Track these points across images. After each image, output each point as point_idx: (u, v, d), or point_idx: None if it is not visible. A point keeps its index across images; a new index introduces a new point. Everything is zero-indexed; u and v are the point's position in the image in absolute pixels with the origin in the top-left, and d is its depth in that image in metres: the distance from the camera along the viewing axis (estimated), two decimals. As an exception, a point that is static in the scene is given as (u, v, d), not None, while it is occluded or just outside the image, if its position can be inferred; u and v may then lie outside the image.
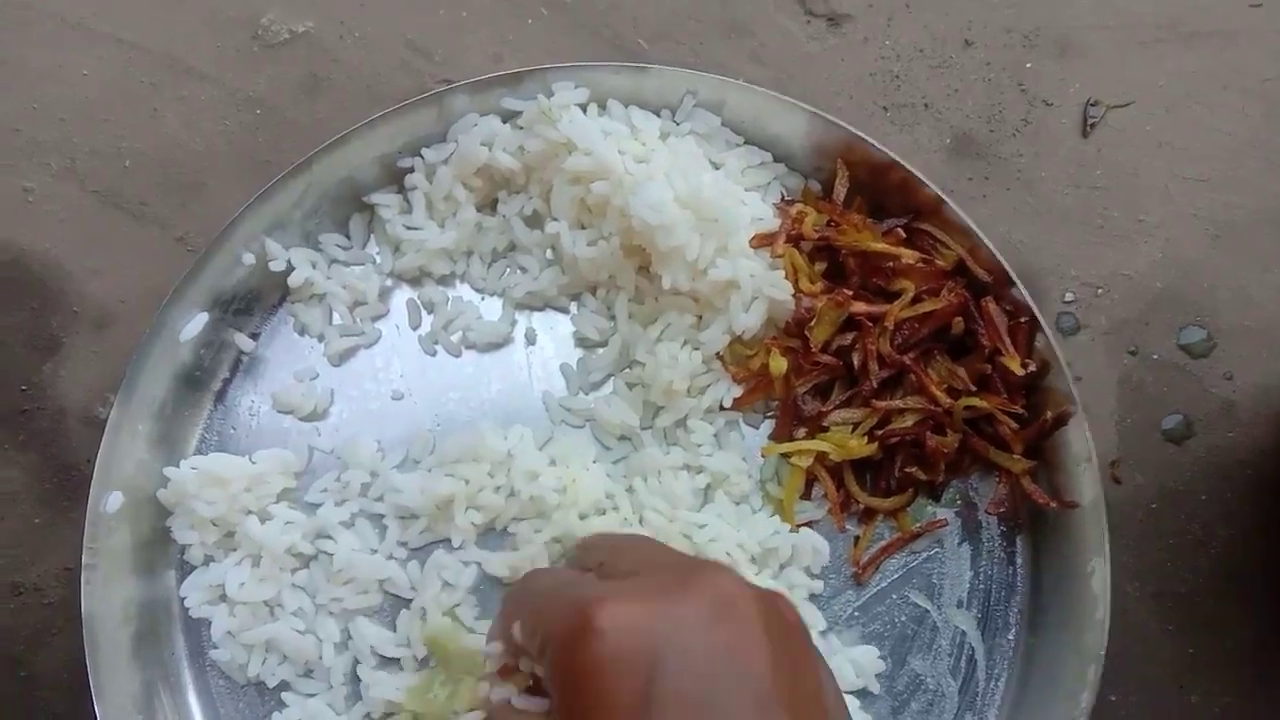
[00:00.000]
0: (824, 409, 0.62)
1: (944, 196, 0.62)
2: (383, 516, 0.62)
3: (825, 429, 0.62)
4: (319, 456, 0.63)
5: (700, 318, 0.63)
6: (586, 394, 0.64)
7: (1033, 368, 0.60)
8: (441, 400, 0.64)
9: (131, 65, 0.69)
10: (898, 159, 0.62)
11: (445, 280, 0.66)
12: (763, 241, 0.62)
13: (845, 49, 0.71)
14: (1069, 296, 0.68)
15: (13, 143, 0.68)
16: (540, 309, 0.65)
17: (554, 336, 0.65)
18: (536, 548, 0.60)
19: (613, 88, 0.64)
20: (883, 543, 0.63)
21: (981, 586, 0.62)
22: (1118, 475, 0.65)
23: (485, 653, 0.47)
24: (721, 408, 0.63)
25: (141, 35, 0.70)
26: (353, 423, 0.64)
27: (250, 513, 0.61)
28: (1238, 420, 0.66)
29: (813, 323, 0.61)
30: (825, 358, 0.62)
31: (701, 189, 0.60)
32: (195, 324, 0.62)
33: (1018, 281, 0.61)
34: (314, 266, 0.64)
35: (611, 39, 0.70)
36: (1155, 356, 0.67)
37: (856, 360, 0.62)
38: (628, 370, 0.64)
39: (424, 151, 0.64)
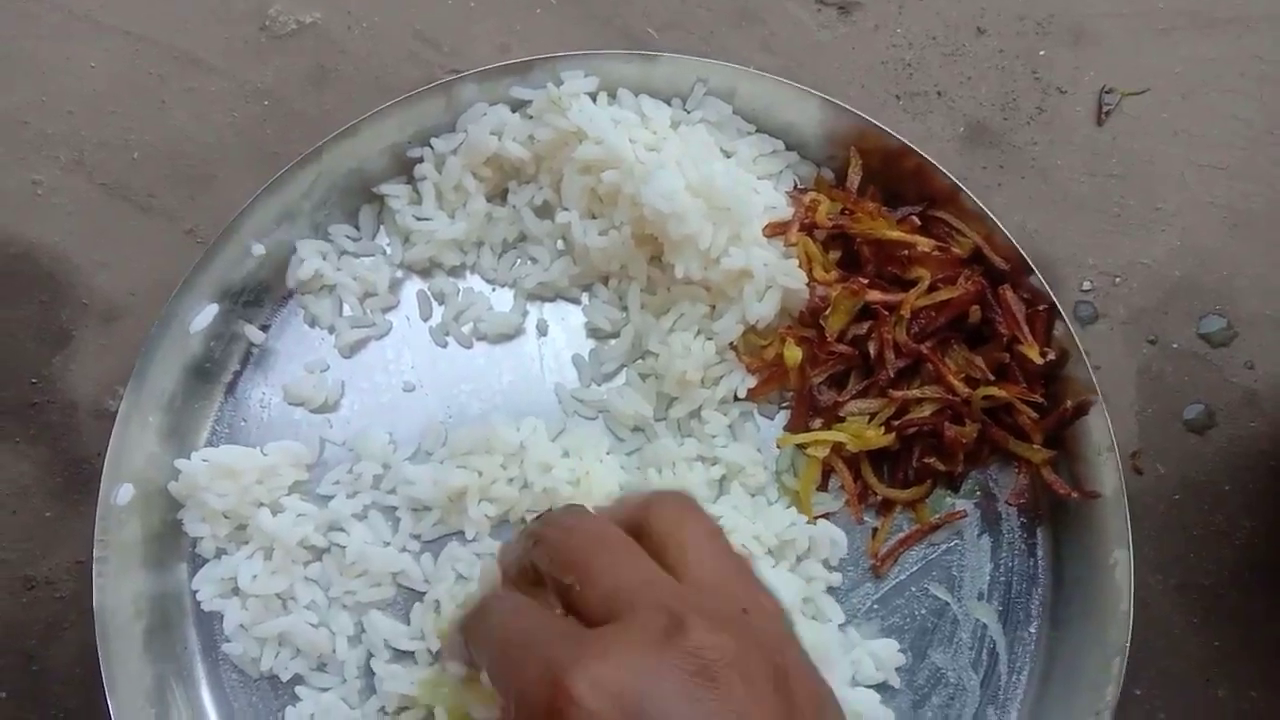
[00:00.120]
0: (840, 399, 0.61)
1: (959, 184, 0.61)
2: (395, 509, 0.61)
3: (841, 419, 0.61)
4: (330, 449, 0.63)
5: (713, 307, 0.62)
6: (599, 385, 0.64)
7: (1052, 356, 0.60)
8: (453, 392, 0.64)
9: (139, 57, 0.69)
10: (912, 145, 0.61)
11: (456, 271, 0.65)
12: (776, 230, 0.62)
13: (856, 37, 0.70)
14: (1086, 285, 0.67)
15: (21, 135, 0.68)
16: (551, 300, 0.65)
17: (566, 327, 0.65)
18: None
19: (622, 76, 0.63)
20: (901, 534, 0.62)
21: (1002, 579, 0.62)
22: (1139, 466, 0.64)
23: (445, 668, 0.46)
24: (736, 398, 0.62)
25: (149, 27, 0.69)
26: (364, 415, 0.63)
27: (262, 505, 0.60)
28: (1260, 410, 0.65)
29: (827, 312, 0.61)
30: (841, 347, 0.61)
31: (713, 177, 0.59)
32: (205, 316, 0.62)
33: (1035, 269, 0.60)
34: (324, 258, 0.64)
35: (621, 28, 0.70)
36: (1175, 345, 0.66)
37: (873, 349, 0.61)
38: (640, 361, 0.63)
39: (433, 141, 0.63)
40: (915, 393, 0.61)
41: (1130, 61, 0.69)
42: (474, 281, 0.65)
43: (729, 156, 0.63)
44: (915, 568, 0.62)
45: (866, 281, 0.61)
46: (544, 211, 0.65)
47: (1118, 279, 0.67)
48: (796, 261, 0.61)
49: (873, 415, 0.61)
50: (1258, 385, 0.65)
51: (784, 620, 0.42)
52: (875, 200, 0.63)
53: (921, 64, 0.70)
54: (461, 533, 0.61)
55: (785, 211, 0.62)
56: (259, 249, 0.62)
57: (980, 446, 0.62)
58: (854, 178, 0.63)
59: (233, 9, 0.70)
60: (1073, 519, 0.61)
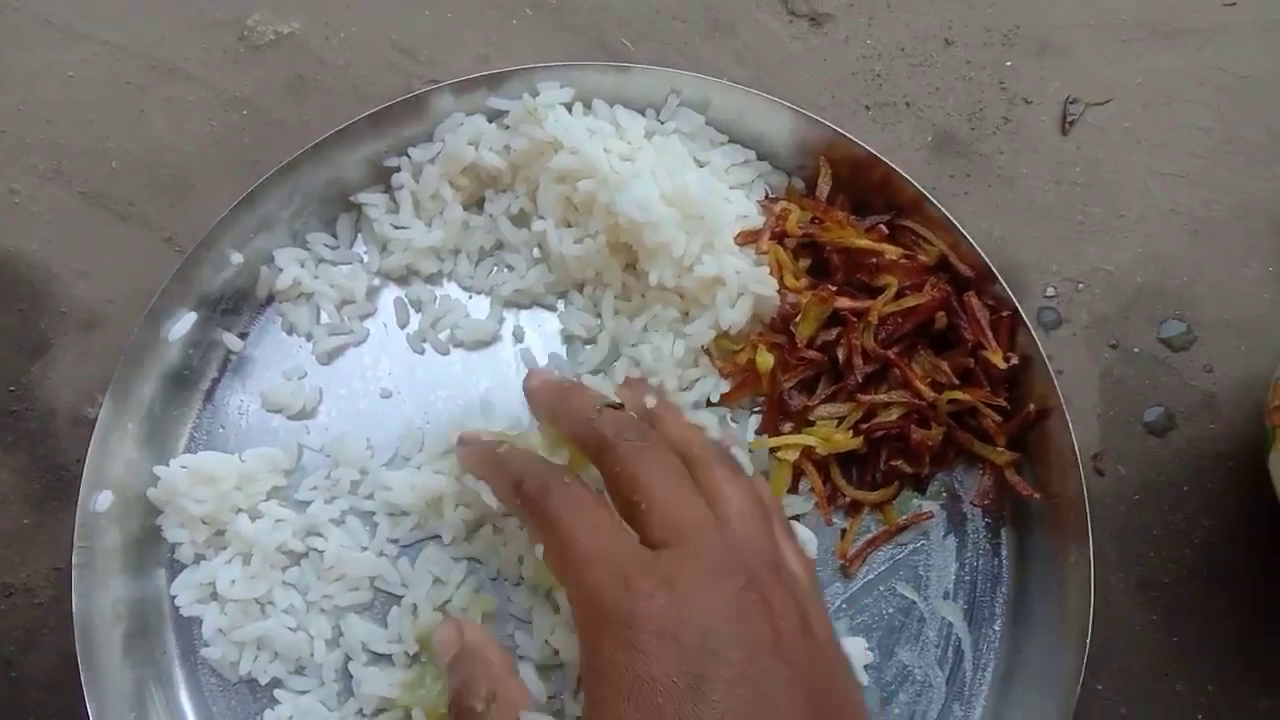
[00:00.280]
0: (810, 404, 0.63)
1: (925, 193, 0.62)
2: (373, 514, 0.62)
3: (811, 423, 0.63)
4: (308, 455, 0.64)
5: (686, 314, 0.63)
6: (575, 391, 0.64)
7: (1015, 361, 0.61)
8: (430, 398, 0.65)
9: (117, 66, 0.69)
10: (879, 155, 0.63)
11: (433, 279, 0.66)
12: (748, 238, 0.63)
13: (827, 49, 0.71)
14: (1050, 291, 0.68)
15: (-1, 145, 0.68)
16: (528, 307, 0.66)
17: (542, 334, 0.66)
18: (525, 543, 0.60)
19: (598, 87, 0.64)
20: (869, 535, 0.63)
21: (967, 578, 0.63)
22: (1100, 467, 0.66)
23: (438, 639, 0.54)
24: (709, 403, 0.63)
25: (127, 36, 0.70)
26: (342, 421, 0.64)
27: (240, 511, 0.61)
28: (1218, 412, 0.67)
29: (798, 318, 0.62)
30: (810, 353, 0.62)
31: (687, 186, 0.60)
32: (183, 324, 0.62)
33: (999, 276, 0.62)
34: (302, 266, 0.65)
35: (597, 39, 0.71)
36: (1136, 350, 0.68)
37: (841, 355, 0.62)
38: (615, 366, 0.64)
39: (410, 151, 0.64)
40: (883, 397, 0.62)
41: (1094, 72, 0.71)
42: (451, 289, 0.66)
43: (702, 166, 0.65)
44: (883, 567, 0.63)
45: (835, 289, 0.62)
46: (520, 220, 0.66)
47: (1081, 285, 0.68)
48: (768, 269, 0.62)
49: (841, 419, 0.62)
50: (1216, 388, 0.67)
51: (809, 578, 0.54)
52: (844, 209, 0.65)
53: (890, 75, 0.71)
54: (438, 537, 0.62)
55: (757, 220, 0.64)
56: (237, 257, 0.63)
57: (946, 449, 0.63)
58: (824, 187, 0.65)
59: (211, 19, 0.70)
60: (1036, 519, 0.62)
